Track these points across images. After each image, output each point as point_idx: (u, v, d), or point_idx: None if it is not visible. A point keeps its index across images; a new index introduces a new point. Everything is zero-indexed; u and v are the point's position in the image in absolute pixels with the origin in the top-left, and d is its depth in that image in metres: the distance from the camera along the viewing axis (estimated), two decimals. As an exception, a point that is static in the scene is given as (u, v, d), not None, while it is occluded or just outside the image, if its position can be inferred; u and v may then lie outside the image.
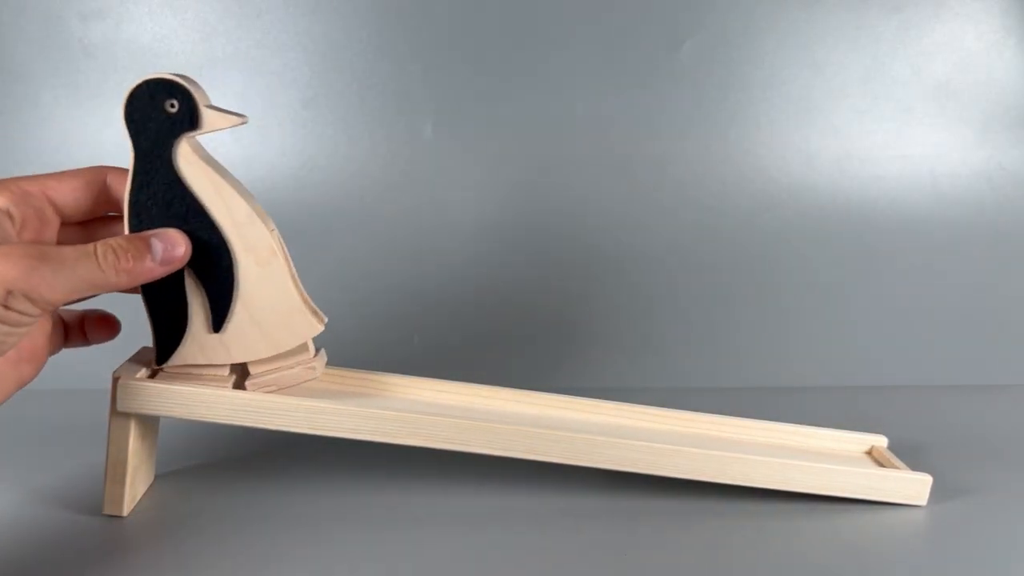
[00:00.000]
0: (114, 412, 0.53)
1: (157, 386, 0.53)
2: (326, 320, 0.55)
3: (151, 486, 0.60)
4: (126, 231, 0.51)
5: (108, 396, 0.53)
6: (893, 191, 0.88)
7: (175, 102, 0.51)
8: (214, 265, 0.52)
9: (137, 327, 0.79)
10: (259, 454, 0.66)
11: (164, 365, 0.54)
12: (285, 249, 0.53)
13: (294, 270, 0.54)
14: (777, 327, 0.88)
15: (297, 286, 0.54)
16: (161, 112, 0.51)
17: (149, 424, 0.57)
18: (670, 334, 0.87)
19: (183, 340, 0.54)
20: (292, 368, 0.55)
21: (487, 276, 0.85)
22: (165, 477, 0.61)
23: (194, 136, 0.51)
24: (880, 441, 0.67)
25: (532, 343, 0.85)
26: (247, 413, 0.54)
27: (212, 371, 0.55)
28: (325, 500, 0.59)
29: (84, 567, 0.50)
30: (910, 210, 0.89)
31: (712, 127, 0.86)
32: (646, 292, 0.87)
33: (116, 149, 0.79)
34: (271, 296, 0.53)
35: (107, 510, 0.55)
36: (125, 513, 0.55)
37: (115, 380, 0.53)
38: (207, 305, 0.53)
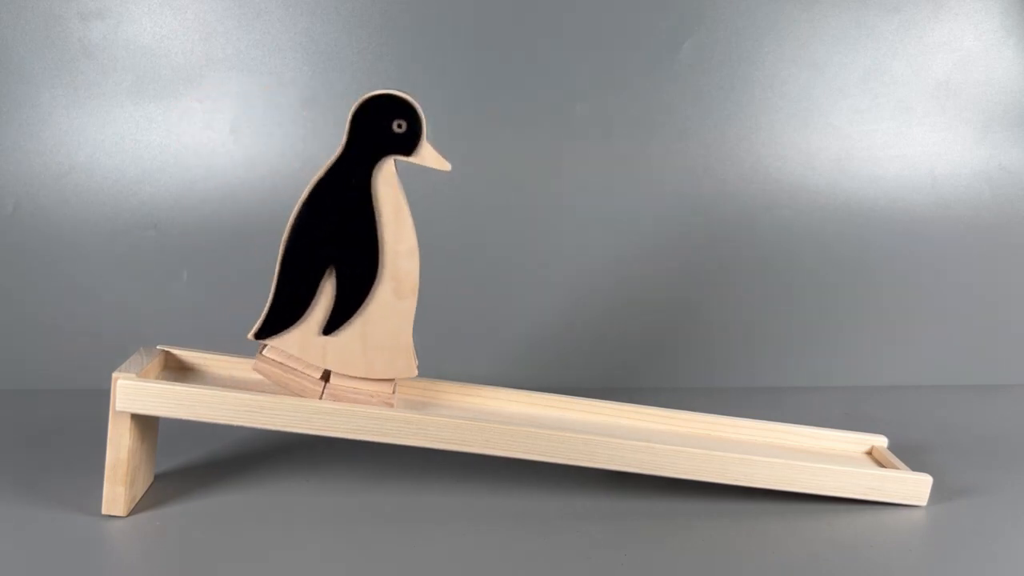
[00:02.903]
0: (114, 412, 0.53)
1: (157, 386, 0.53)
2: (418, 370, 0.56)
3: (151, 486, 0.60)
4: (295, 208, 0.53)
5: (108, 396, 0.53)
6: (893, 191, 0.88)
7: (404, 123, 0.52)
8: (357, 276, 0.54)
9: (137, 327, 0.79)
10: (259, 454, 0.66)
11: (263, 339, 0.55)
12: (417, 293, 0.55)
13: (413, 314, 0.55)
14: (777, 327, 0.88)
15: (411, 328, 0.55)
16: (388, 127, 0.52)
17: (149, 424, 0.57)
18: (670, 334, 0.87)
19: (291, 327, 0.55)
20: (372, 396, 0.56)
21: (487, 275, 0.85)
22: (165, 477, 0.61)
23: (400, 159, 0.53)
24: (880, 441, 0.67)
25: (532, 343, 0.85)
26: (247, 413, 0.54)
27: (307, 370, 0.55)
28: (325, 500, 0.59)
29: (84, 567, 0.50)
30: (910, 210, 0.89)
31: (712, 127, 0.86)
32: (645, 292, 0.87)
33: (115, 149, 0.80)
34: (390, 328, 0.55)
35: (107, 510, 0.55)
36: (125, 513, 0.55)
37: (115, 380, 0.53)
38: (330, 308, 0.54)
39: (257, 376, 0.61)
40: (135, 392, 0.53)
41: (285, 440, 0.67)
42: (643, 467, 0.58)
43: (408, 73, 0.82)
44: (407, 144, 0.53)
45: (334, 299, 0.54)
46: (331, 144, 0.82)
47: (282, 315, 0.55)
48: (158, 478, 0.61)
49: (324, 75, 0.81)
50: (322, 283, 0.54)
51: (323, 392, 0.56)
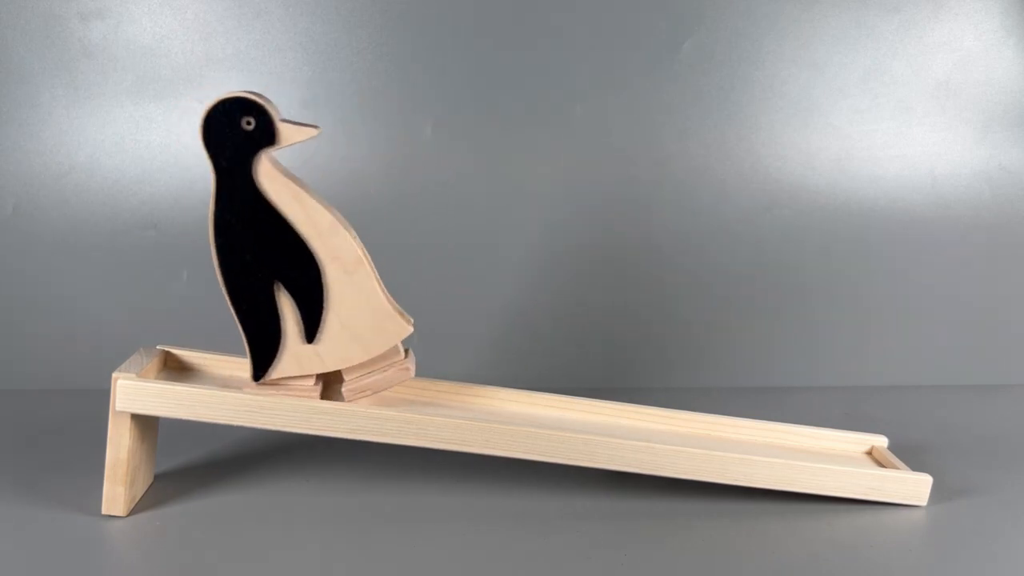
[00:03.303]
0: (114, 412, 0.53)
1: (157, 386, 0.53)
2: (412, 321, 0.56)
3: (151, 486, 0.60)
4: (212, 250, 0.52)
5: (108, 396, 0.53)
6: (893, 191, 0.88)
7: (251, 119, 0.51)
8: (302, 276, 0.53)
9: (137, 327, 0.79)
10: (259, 454, 0.66)
11: (263, 379, 0.55)
12: (367, 254, 0.54)
13: (377, 274, 0.54)
14: (777, 327, 0.88)
15: (383, 290, 0.55)
16: (238, 130, 0.51)
17: (149, 424, 0.57)
18: (670, 334, 0.87)
19: (279, 354, 0.54)
20: (386, 371, 0.56)
21: (486, 275, 0.85)
22: (165, 477, 0.61)
23: (272, 151, 0.52)
24: (880, 441, 0.67)
25: (532, 343, 0.85)
26: (247, 413, 0.54)
27: (299, 381, 0.55)
28: (325, 500, 0.59)
29: (84, 567, 0.50)
30: (910, 210, 0.89)
31: (712, 127, 0.86)
32: (645, 292, 0.86)
33: (115, 149, 0.80)
34: (360, 302, 0.54)
35: (107, 510, 0.55)
36: (125, 513, 0.55)
37: (115, 380, 0.53)
38: (299, 317, 0.54)
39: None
40: (135, 392, 0.53)
41: (285, 440, 0.67)
42: (643, 467, 0.58)
43: (408, 73, 0.82)
44: (265, 135, 0.51)
45: (297, 308, 0.54)
46: (331, 144, 0.82)
47: (264, 350, 0.55)
48: (158, 478, 0.61)
49: (324, 75, 0.81)
50: (278, 300, 0.54)
51: (343, 392, 0.56)
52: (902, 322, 0.89)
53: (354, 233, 0.54)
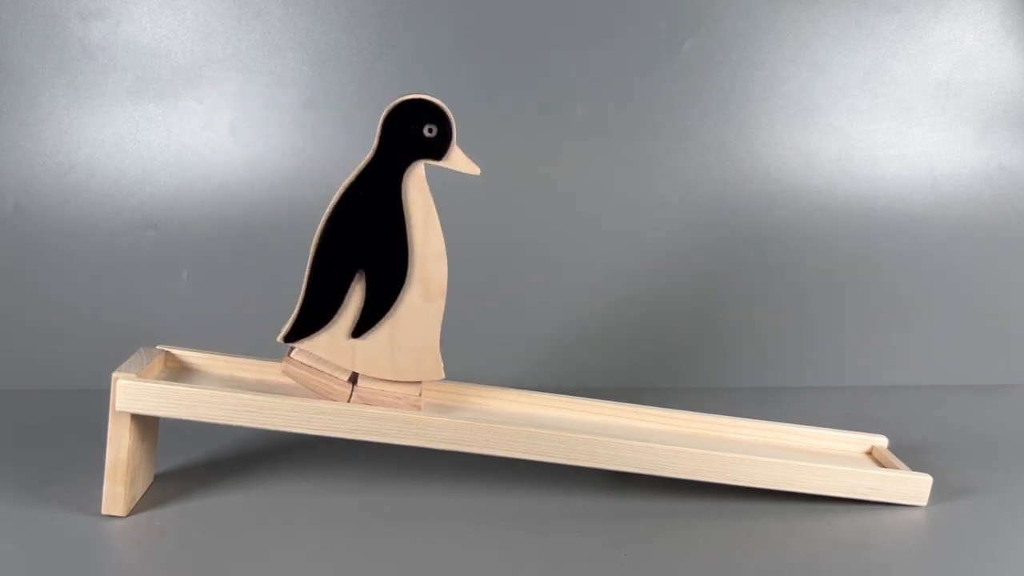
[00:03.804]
0: (114, 412, 0.53)
1: (157, 386, 0.53)
2: (444, 374, 0.57)
3: (151, 486, 0.60)
4: (327, 212, 0.53)
5: (108, 396, 0.53)
6: (893, 191, 0.88)
7: (434, 128, 0.53)
8: (386, 279, 0.54)
9: (137, 327, 0.79)
10: (259, 454, 0.66)
11: (292, 342, 0.55)
12: (445, 294, 0.55)
13: (441, 316, 0.55)
14: (777, 327, 0.88)
15: (438, 331, 0.56)
16: (419, 132, 0.53)
17: (149, 424, 0.57)
18: (669, 334, 0.87)
19: (320, 329, 0.55)
20: (399, 398, 0.56)
21: (485, 276, 0.85)
22: (165, 477, 0.61)
23: (431, 164, 0.53)
24: (880, 441, 0.67)
25: (531, 343, 0.85)
26: (247, 413, 0.54)
27: (335, 372, 0.56)
28: (324, 500, 0.59)
29: (84, 567, 0.50)
30: (910, 210, 0.89)
31: (712, 127, 0.86)
32: (644, 292, 0.86)
33: (115, 149, 0.80)
34: (418, 330, 0.55)
35: (107, 510, 0.55)
36: (125, 513, 0.55)
37: (115, 380, 0.53)
38: (359, 311, 0.55)
39: (256, 376, 0.61)
40: (135, 392, 0.53)
41: (285, 440, 0.67)
42: (643, 467, 0.58)
43: (408, 73, 0.82)
44: (437, 148, 0.53)
45: (363, 302, 0.54)
46: (331, 144, 0.82)
47: (311, 318, 0.55)
48: (158, 478, 0.61)
49: (324, 75, 0.81)
50: (351, 286, 0.54)
51: (351, 395, 0.56)
52: (902, 322, 0.89)
53: (447, 269, 0.55)
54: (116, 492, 0.54)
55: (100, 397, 0.57)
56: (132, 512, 0.56)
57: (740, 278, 0.87)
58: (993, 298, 0.90)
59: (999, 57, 0.87)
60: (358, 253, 0.54)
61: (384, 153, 0.53)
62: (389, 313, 0.55)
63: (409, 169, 0.53)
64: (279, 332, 0.55)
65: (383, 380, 0.56)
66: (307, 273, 0.54)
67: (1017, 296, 0.91)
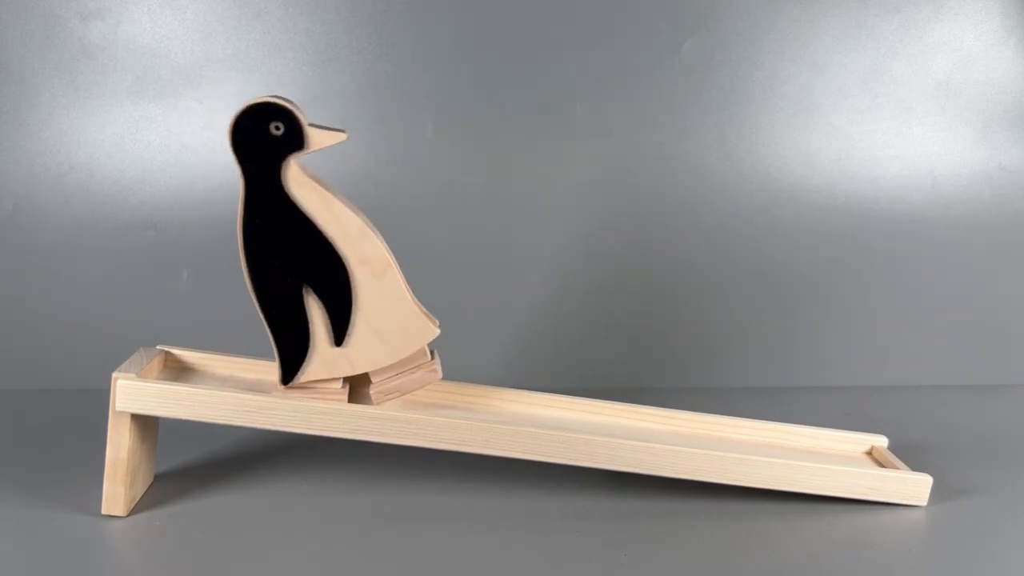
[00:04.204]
0: (114, 412, 0.53)
1: (157, 386, 0.53)
2: (438, 323, 0.56)
3: (151, 486, 0.60)
4: (241, 256, 0.53)
5: (108, 396, 0.53)
6: (893, 191, 0.88)
7: (280, 124, 0.52)
8: (331, 281, 0.54)
9: (137, 327, 0.79)
10: (259, 454, 0.66)
11: (291, 383, 0.55)
12: (393, 257, 0.54)
13: (403, 277, 0.55)
14: (777, 327, 0.88)
15: (410, 293, 0.55)
16: (267, 135, 0.51)
17: (149, 424, 0.57)
18: (669, 334, 0.87)
19: (307, 357, 0.55)
20: (414, 373, 0.56)
21: (485, 275, 0.85)
22: (165, 477, 0.61)
23: (300, 156, 0.52)
24: (880, 441, 0.67)
25: (531, 343, 0.85)
26: (247, 413, 0.54)
27: (327, 384, 0.56)
28: (324, 500, 0.59)
29: (84, 567, 0.50)
30: (910, 210, 0.89)
31: (712, 127, 0.86)
32: (644, 292, 0.87)
33: (115, 149, 0.80)
34: (388, 306, 0.54)
35: (107, 510, 0.55)
36: (125, 513, 0.55)
37: (115, 380, 0.53)
38: (328, 320, 0.54)
39: (256, 376, 0.61)
40: (135, 392, 0.53)
41: (285, 440, 0.67)
42: (643, 467, 0.58)
43: (408, 73, 0.82)
44: (294, 140, 0.52)
45: (326, 312, 0.54)
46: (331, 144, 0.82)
47: (293, 353, 0.55)
48: (158, 478, 0.61)
49: (324, 75, 0.81)
50: (307, 304, 0.54)
51: (371, 393, 0.56)
52: (902, 322, 0.89)
53: (380, 237, 0.54)
54: (116, 492, 0.54)
55: (100, 397, 0.57)
56: (132, 512, 0.56)
57: (740, 278, 0.87)
58: (993, 298, 0.90)
59: (999, 57, 0.87)
60: (290, 273, 0.53)
61: (250, 171, 0.52)
62: (354, 307, 0.54)
63: (282, 172, 0.52)
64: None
65: (390, 368, 0.56)
66: (261, 316, 0.54)
67: (1017, 296, 0.91)
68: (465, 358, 0.83)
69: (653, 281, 0.87)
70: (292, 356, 0.55)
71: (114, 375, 0.53)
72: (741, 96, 0.85)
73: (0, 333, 0.79)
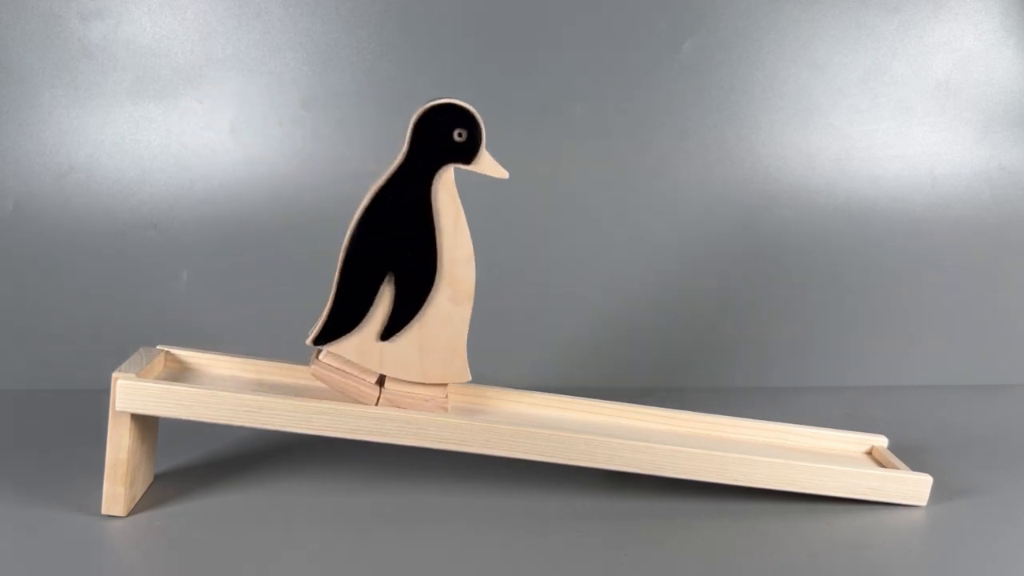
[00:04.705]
0: (114, 412, 0.53)
1: (157, 386, 0.53)
2: (470, 377, 0.57)
3: (151, 486, 0.60)
4: (356, 215, 0.53)
5: (108, 396, 0.53)
6: (893, 191, 0.88)
7: (464, 133, 0.53)
8: (415, 282, 0.55)
9: (137, 327, 0.79)
10: (258, 454, 0.66)
11: (321, 345, 0.56)
12: (473, 295, 0.56)
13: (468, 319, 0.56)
14: (777, 327, 0.88)
15: (466, 334, 0.56)
16: (448, 136, 0.53)
17: (149, 424, 0.57)
18: (669, 334, 0.87)
19: (349, 333, 0.55)
20: (426, 400, 0.57)
21: (484, 275, 0.85)
22: (165, 477, 0.61)
23: (460, 167, 0.54)
24: (880, 441, 0.67)
25: (531, 343, 0.85)
26: (247, 413, 0.54)
27: (363, 375, 0.56)
28: (324, 500, 0.59)
29: (84, 567, 0.50)
30: (910, 210, 0.89)
31: (712, 127, 0.86)
32: (644, 292, 0.87)
33: (115, 149, 0.80)
34: (447, 333, 0.55)
35: (107, 510, 0.55)
36: (125, 513, 0.55)
37: (115, 380, 0.53)
38: (388, 314, 0.55)
39: (256, 376, 0.61)
40: (135, 392, 0.53)
41: (285, 440, 0.67)
42: (643, 467, 0.58)
43: (407, 73, 0.82)
44: (467, 153, 0.53)
45: (392, 306, 0.55)
46: (331, 144, 0.82)
47: (341, 321, 0.55)
48: (158, 478, 0.61)
49: (324, 75, 0.81)
50: (381, 289, 0.55)
51: (379, 397, 0.56)
52: (902, 322, 0.89)
53: (474, 272, 0.55)
54: (116, 492, 0.54)
55: (100, 397, 0.57)
56: (132, 512, 0.56)
57: (740, 278, 0.87)
58: (993, 298, 0.90)
59: (999, 57, 0.87)
60: (387, 256, 0.54)
61: (414, 157, 0.53)
62: (417, 316, 0.55)
63: (438, 173, 0.54)
64: (306, 334, 0.56)
65: (411, 383, 0.56)
66: (336, 276, 0.54)
67: (1017, 296, 0.91)
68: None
69: (653, 281, 0.87)
70: (338, 324, 0.55)
71: (114, 375, 0.53)
72: (741, 96, 0.85)
73: (0, 333, 0.79)
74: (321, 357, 0.56)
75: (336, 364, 0.56)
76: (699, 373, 0.87)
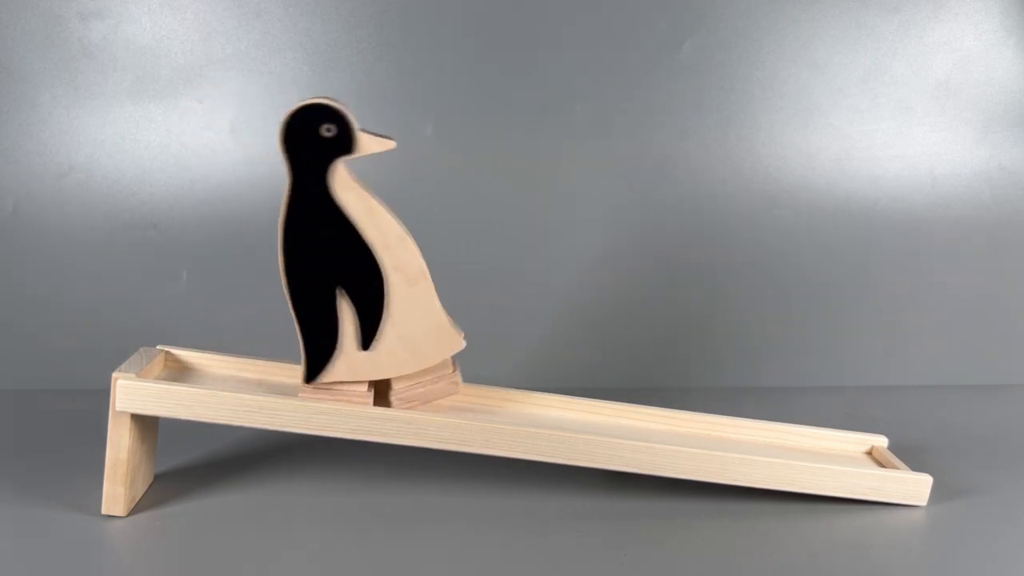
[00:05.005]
0: (114, 412, 0.53)
1: (157, 386, 0.53)
2: (464, 336, 0.57)
3: (151, 486, 0.60)
4: (279, 253, 0.53)
5: (108, 396, 0.53)
6: (893, 191, 0.88)
7: (332, 126, 0.52)
8: (365, 285, 0.54)
9: (137, 327, 0.79)
10: (258, 454, 0.66)
11: (314, 382, 0.55)
12: (426, 267, 0.55)
13: (434, 287, 0.55)
14: (777, 327, 0.88)
15: (439, 304, 0.56)
16: (317, 137, 0.52)
17: (149, 424, 0.57)
18: (669, 334, 0.87)
19: (332, 358, 0.55)
20: (436, 383, 0.57)
21: (484, 275, 0.85)
22: (165, 477, 0.61)
23: (349, 160, 0.53)
24: (880, 441, 0.67)
25: (531, 343, 0.85)
26: (247, 413, 0.54)
27: (351, 387, 0.56)
28: (324, 500, 0.59)
29: (84, 567, 0.50)
30: (910, 210, 0.89)
31: (712, 127, 0.86)
32: (644, 292, 0.87)
33: (115, 149, 0.80)
34: (419, 314, 0.55)
35: (107, 510, 0.55)
36: (125, 513, 0.55)
37: (115, 380, 0.53)
38: (357, 323, 0.55)
39: (256, 376, 0.61)
40: (135, 392, 0.53)
41: (285, 440, 0.67)
42: (643, 467, 0.58)
43: (407, 73, 0.82)
44: (344, 143, 0.52)
45: (357, 316, 0.54)
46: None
47: (319, 352, 0.55)
48: (158, 478, 0.61)
49: (324, 75, 0.81)
50: (339, 305, 0.54)
51: (392, 400, 0.56)
52: (902, 322, 0.89)
53: (416, 245, 0.54)
54: (116, 492, 0.54)
55: (100, 397, 0.57)
56: (132, 512, 0.56)
57: (740, 278, 0.87)
58: (993, 298, 0.90)
59: (999, 57, 0.87)
60: (326, 275, 0.54)
61: (298, 171, 0.52)
62: (385, 314, 0.54)
63: (329, 173, 0.52)
64: (296, 363, 0.56)
65: (412, 376, 0.56)
66: (293, 314, 0.54)
67: (1017, 296, 0.91)
68: (465, 359, 0.83)
69: (652, 281, 0.87)
70: (318, 355, 0.55)
71: (114, 375, 0.53)
72: (741, 96, 0.85)
73: (0, 333, 0.79)
74: (315, 383, 0.56)
75: (324, 384, 0.56)
76: (699, 373, 0.87)
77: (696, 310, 0.87)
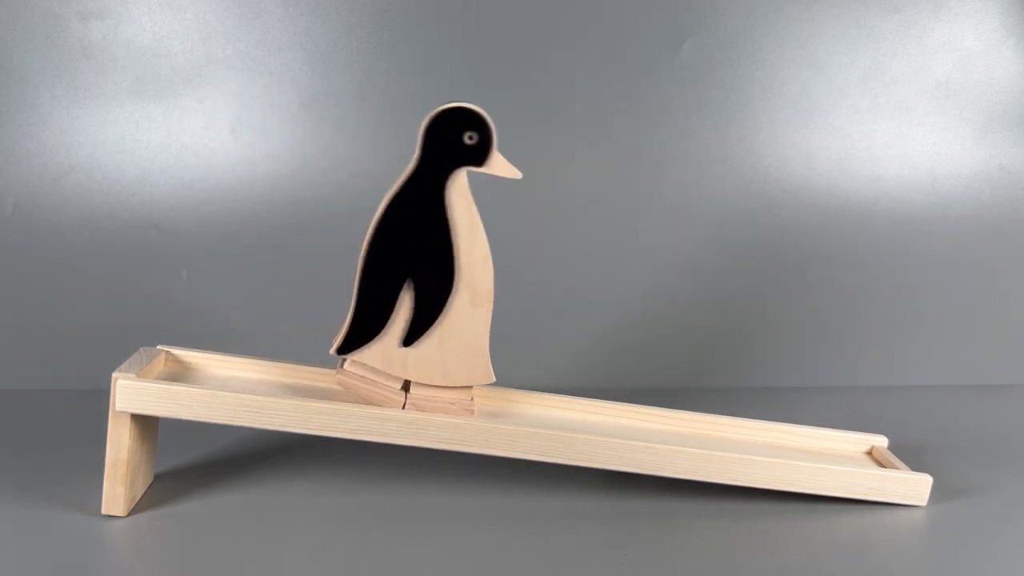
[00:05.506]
0: (114, 412, 0.53)
1: (157, 386, 0.53)
2: (495, 378, 0.57)
3: (151, 486, 0.60)
4: (372, 224, 0.53)
5: (108, 396, 0.53)
6: (893, 191, 0.88)
7: (475, 135, 0.53)
8: (434, 289, 0.55)
9: (137, 327, 0.79)
10: (258, 454, 0.66)
11: (345, 355, 0.56)
12: (493, 294, 0.56)
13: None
14: (777, 327, 0.88)
15: (488, 334, 0.56)
16: (459, 139, 0.53)
17: (149, 424, 0.57)
18: (669, 334, 0.87)
19: (372, 341, 0.55)
20: (452, 404, 0.57)
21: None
22: (165, 477, 0.61)
23: (473, 170, 0.54)
24: (880, 441, 0.67)
25: (531, 343, 0.85)
26: (247, 413, 0.54)
27: (388, 382, 0.56)
28: (325, 500, 0.59)
29: (84, 567, 0.50)
30: (910, 210, 0.89)
31: (712, 127, 0.86)
32: (643, 292, 0.87)
33: (115, 149, 0.80)
34: (467, 335, 0.56)
35: (107, 510, 0.55)
36: (125, 513, 0.55)
37: (115, 380, 0.53)
38: (409, 319, 0.55)
39: (256, 376, 0.61)
40: (135, 392, 0.53)
41: (285, 440, 0.67)
42: (643, 467, 0.58)
43: (407, 73, 0.82)
44: (478, 155, 0.53)
45: (413, 311, 0.55)
46: (331, 144, 0.82)
47: (363, 330, 0.55)
48: (158, 478, 0.61)
49: (324, 75, 0.81)
50: (400, 296, 0.55)
51: (405, 403, 0.56)
52: (902, 322, 0.89)
53: (492, 270, 0.55)
54: (116, 492, 0.54)
55: (100, 397, 0.56)
56: (132, 512, 0.56)
57: (740, 278, 0.87)
58: (993, 298, 0.90)
59: (999, 57, 0.87)
60: (405, 263, 0.54)
61: (426, 162, 0.53)
62: (438, 320, 0.55)
63: (451, 177, 0.54)
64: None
65: (435, 387, 0.56)
66: (356, 286, 0.55)
67: (1017, 296, 0.91)
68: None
69: (652, 281, 0.87)
70: (361, 332, 0.55)
71: (114, 375, 0.53)
72: (741, 96, 0.85)
73: (0, 333, 0.79)
74: (346, 366, 0.57)
75: (361, 372, 0.56)
76: (699, 373, 0.87)
77: (695, 310, 0.87)
